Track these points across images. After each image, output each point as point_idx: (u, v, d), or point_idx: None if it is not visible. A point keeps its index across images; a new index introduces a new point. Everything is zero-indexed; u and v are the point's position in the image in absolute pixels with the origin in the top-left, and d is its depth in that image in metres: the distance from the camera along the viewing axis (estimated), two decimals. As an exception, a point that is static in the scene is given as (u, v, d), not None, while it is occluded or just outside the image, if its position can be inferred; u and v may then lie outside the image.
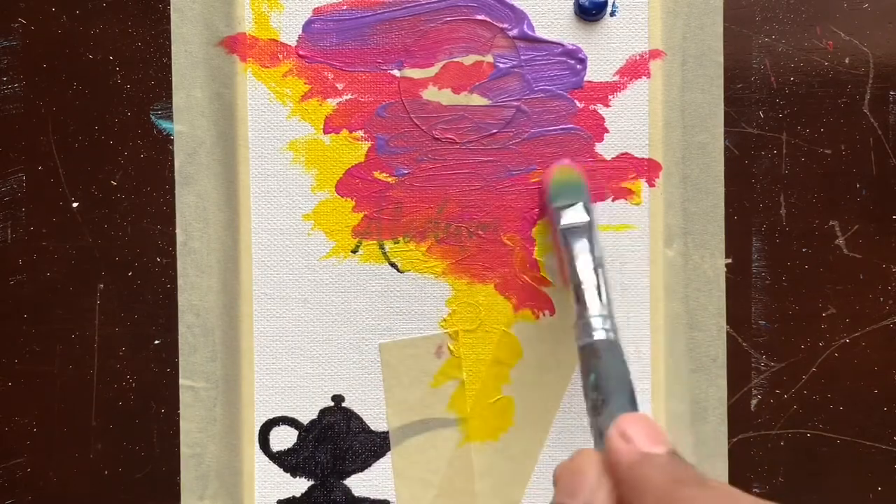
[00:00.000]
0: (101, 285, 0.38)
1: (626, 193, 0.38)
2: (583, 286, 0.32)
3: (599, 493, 0.24)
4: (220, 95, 0.38)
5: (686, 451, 0.38)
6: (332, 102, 0.38)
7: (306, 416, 0.38)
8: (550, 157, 0.38)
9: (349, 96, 0.38)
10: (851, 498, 0.39)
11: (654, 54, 0.38)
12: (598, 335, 0.31)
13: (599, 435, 0.27)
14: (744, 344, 0.39)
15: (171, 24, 0.38)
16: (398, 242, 0.38)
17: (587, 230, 0.34)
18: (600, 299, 0.32)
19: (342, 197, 0.38)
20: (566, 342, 0.38)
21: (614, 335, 0.31)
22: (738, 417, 0.38)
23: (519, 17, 0.38)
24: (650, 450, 0.24)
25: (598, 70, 0.38)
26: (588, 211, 0.35)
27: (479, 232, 0.38)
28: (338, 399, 0.38)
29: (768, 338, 0.39)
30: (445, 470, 0.38)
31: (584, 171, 0.37)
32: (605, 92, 0.38)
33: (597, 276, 0.33)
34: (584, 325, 0.31)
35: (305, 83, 0.38)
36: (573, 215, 0.34)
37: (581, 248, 0.33)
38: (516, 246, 0.38)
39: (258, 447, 0.38)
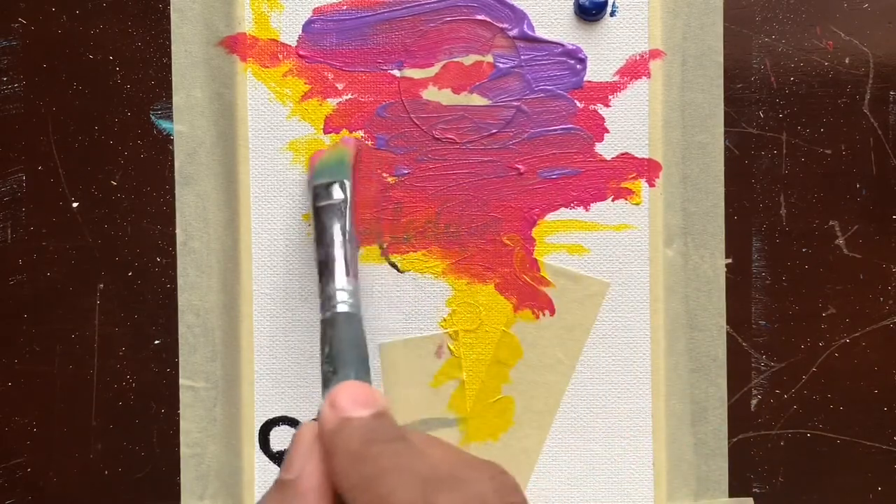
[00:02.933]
0: (101, 285, 0.38)
1: (626, 193, 0.38)
2: (330, 260, 0.32)
3: (309, 464, 0.24)
4: (220, 95, 0.38)
5: (686, 452, 0.38)
6: (332, 102, 0.38)
7: (306, 416, 0.38)
8: (551, 157, 0.38)
9: (349, 96, 0.38)
10: (851, 498, 0.39)
11: (654, 54, 0.38)
12: (340, 308, 0.31)
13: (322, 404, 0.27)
14: (744, 344, 0.39)
15: (171, 24, 0.38)
16: (398, 242, 0.38)
17: (340, 209, 0.33)
18: (347, 274, 0.32)
19: (342, 197, 0.38)
20: (566, 342, 0.38)
21: (357, 310, 0.31)
22: (738, 417, 0.38)
23: (519, 17, 0.38)
24: (353, 414, 0.24)
25: (598, 70, 0.38)
26: (344, 189, 0.34)
27: (479, 232, 0.38)
28: (338, 399, 0.38)
29: (768, 338, 0.39)
30: (445, 470, 0.38)
31: (354, 147, 0.37)
32: (605, 92, 0.38)
33: (344, 249, 0.32)
34: (326, 298, 0.31)
35: (305, 83, 0.38)
36: (327, 194, 0.34)
37: (330, 224, 0.33)
38: (516, 246, 0.38)
39: (258, 447, 0.38)
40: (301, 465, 0.24)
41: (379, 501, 0.22)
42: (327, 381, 0.28)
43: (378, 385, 0.38)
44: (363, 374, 0.28)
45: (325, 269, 0.32)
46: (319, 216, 0.34)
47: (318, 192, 0.34)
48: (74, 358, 0.38)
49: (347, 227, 0.33)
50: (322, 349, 0.30)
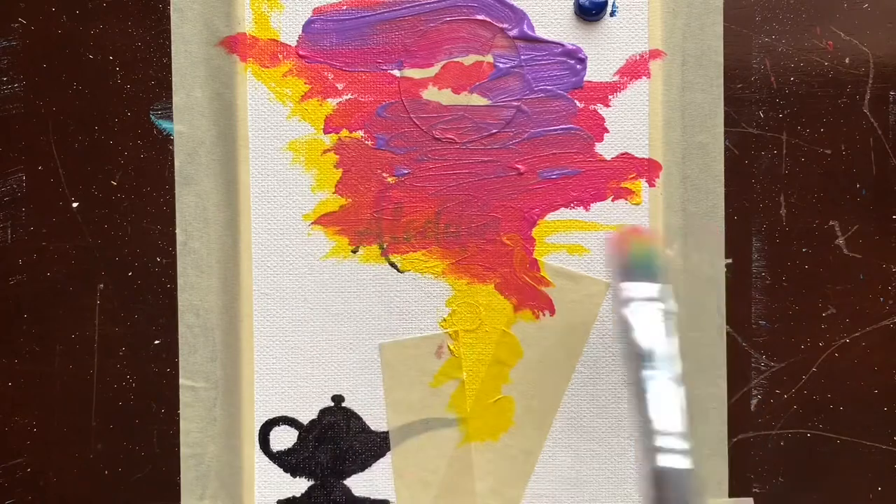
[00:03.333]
0: (101, 285, 0.38)
1: (626, 193, 0.38)
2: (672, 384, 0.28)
3: None
4: (220, 95, 0.38)
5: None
6: (332, 102, 0.38)
7: (306, 416, 0.38)
8: (551, 157, 0.38)
9: (349, 96, 0.38)
10: (851, 498, 0.39)
11: (654, 54, 0.38)
12: (685, 461, 0.27)
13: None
14: (744, 344, 0.39)
15: (171, 24, 0.38)
16: (398, 242, 0.38)
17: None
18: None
19: (342, 197, 0.38)
20: (566, 342, 0.38)
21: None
22: (738, 417, 0.38)
23: (519, 17, 0.38)
24: None
25: (598, 70, 0.38)
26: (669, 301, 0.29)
27: (479, 232, 0.38)
28: (338, 399, 0.38)
29: (768, 338, 0.39)
30: (445, 470, 0.38)
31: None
32: (605, 92, 0.38)
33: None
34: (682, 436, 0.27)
35: (305, 83, 0.38)
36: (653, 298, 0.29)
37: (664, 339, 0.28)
38: (516, 246, 0.38)
39: (258, 447, 0.38)
40: None
41: None
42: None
43: (378, 385, 0.38)
44: None
45: (645, 400, 0.27)
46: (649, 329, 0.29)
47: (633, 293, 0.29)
48: (74, 358, 0.38)
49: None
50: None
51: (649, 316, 0.28)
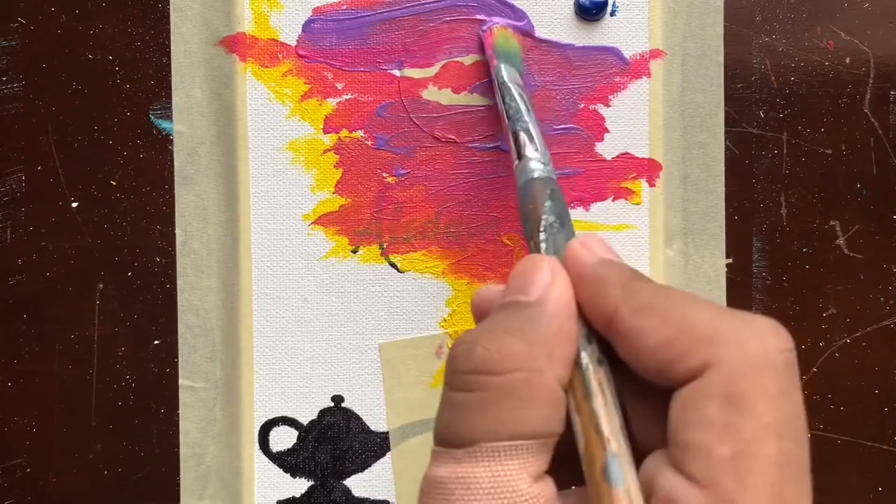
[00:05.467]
0: (101, 285, 0.38)
1: (627, 193, 0.38)
2: (531, 127, 0.33)
3: (554, 288, 0.24)
4: (220, 95, 0.38)
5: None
6: (331, 102, 0.38)
7: (306, 416, 0.38)
8: (551, 156, 0.38)
9: (349, 96, 0.38)
10: (851, 498, 0.39)
11: (655, 54, 0.38)
12: (552, 173, 0.31)
13: (546, 248, 0.27)
14: (744, 344, 0.38)
15: (171, 23, 0.38)
16: (398, 242, 0.38)
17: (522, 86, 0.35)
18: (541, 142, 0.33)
19: (342, 197, 0.38)
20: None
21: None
22: (738, 417, 0.38)
23: (519, 16, 0.38)
24: (610, 257, 0.25)
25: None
26: (523, 77, 0.36)
27: (479, 232, 0.38)
28: (337, 399, 0.38)
29: (768, 338, 0.38)
30: (445, 470, 0.38)
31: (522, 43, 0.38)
32: (605, 92, 0.38)
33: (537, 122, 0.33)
34: (544, 160, 0.32)
35: (305, 83, 0.38)
36: (510, 76, 0.35)
37: (519, 101, 0.34)
38: (516, 246, 0.38)
39: (258, 447, 0.38)
40: (543, 289, 0.24)
41: (674, 319, 0.22)
42: (550, 229, 0.28)
43: (378, 385, 0.38)
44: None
45: (524, 134, 0.32)
46: (507, 94, 0.34)
47: (504, 71, 0.35)
48: (74, 358, 0.38)
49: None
50: (533, 205, 0.29)
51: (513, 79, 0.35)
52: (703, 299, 0.23)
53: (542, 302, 0.24)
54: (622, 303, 0.23)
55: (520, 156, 0.31)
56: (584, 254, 0.25)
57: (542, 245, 0.27)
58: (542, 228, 0.28)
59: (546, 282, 0.24)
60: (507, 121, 0.33)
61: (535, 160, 0.31)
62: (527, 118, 0.33)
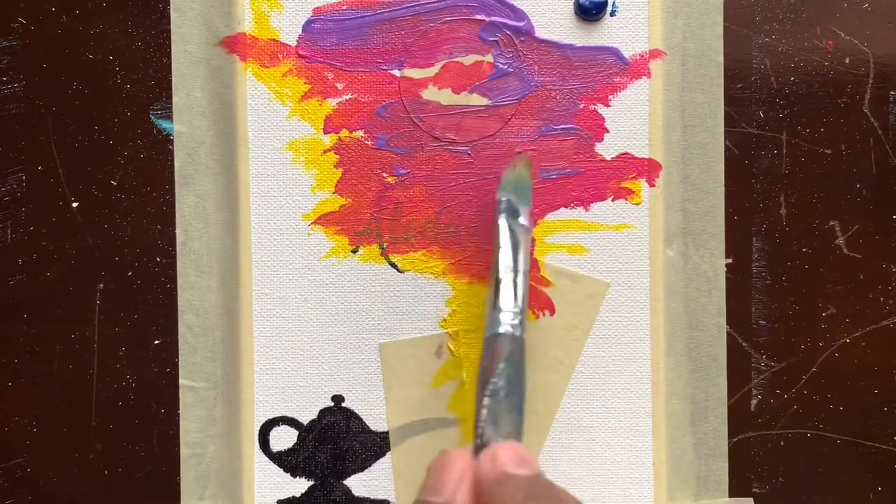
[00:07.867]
0: (101, 285, 0.38)
1: (626, 193, 0.38)
2: (518, 277, 0.33)
3: (460, 492, 0.27)
4: (220, 95, 0.38)
5: (686, 451, 0.38)
6: (332, 102, 0.38)
7: (306, 416, 0.38)
8: (551, 156, 0.38)
9: (349, 96, 0.38)
10: (851, 498, 0.39)
11: (654, 54, 0.38)
12: (518, 331, 0.32)
13: (487, 413, 0.30)
14: (744, 344, 0.39)
15: (171, 23, 0.38)
16: (398, 242, 0.38)
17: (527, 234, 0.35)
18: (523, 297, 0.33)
19: (342, 197, 0.38)
20: (566, 342, 0.38)
21: (522, 333, 0.32)
22: (738, 417, 0.38)
23: (519, 16, 0.38)
24: (514, 471, 0.27)
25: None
26: (529, 219, 0.35)
27: (479, 232, 0.38)
28: (338, 399, 0.38)
29: (768, 338, 0.39)
30: (445, 470, 0.38)
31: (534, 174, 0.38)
32: (604, 92, 0.38)
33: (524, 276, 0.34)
34: (516, 314, 0.32)
35: (305, 83, 0.38)
36: (514, 213, 0.35)
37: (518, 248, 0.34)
38: (516, 246, 0.38)
39: (258, 447, 0.38)
40: (452, 490, 0.27)
41: None
42: (496, 395, 0.30)
43: (378, 385, 0.38)
44: (522, 404, 0.30)
45: (506, 285, 0.33)
46: (502, 236, 0.34)
47: (508, 208, 0.34)
48: (74, 358, 0.38)
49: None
50: (489, 363, 0.31)
51: (511, 227, 0.34)
52: None
53: None
54: None
55: (494, 305, 0.32)
56: (488, 469, 0.27)
57: (483, 411, 0.30)
58: (487, 394, 0.30)
59: (455, 482, 0.27)
60: (494, 261, 0.34)
61: (508, 312, 0.32)
62: (511, 270, 0.33)
